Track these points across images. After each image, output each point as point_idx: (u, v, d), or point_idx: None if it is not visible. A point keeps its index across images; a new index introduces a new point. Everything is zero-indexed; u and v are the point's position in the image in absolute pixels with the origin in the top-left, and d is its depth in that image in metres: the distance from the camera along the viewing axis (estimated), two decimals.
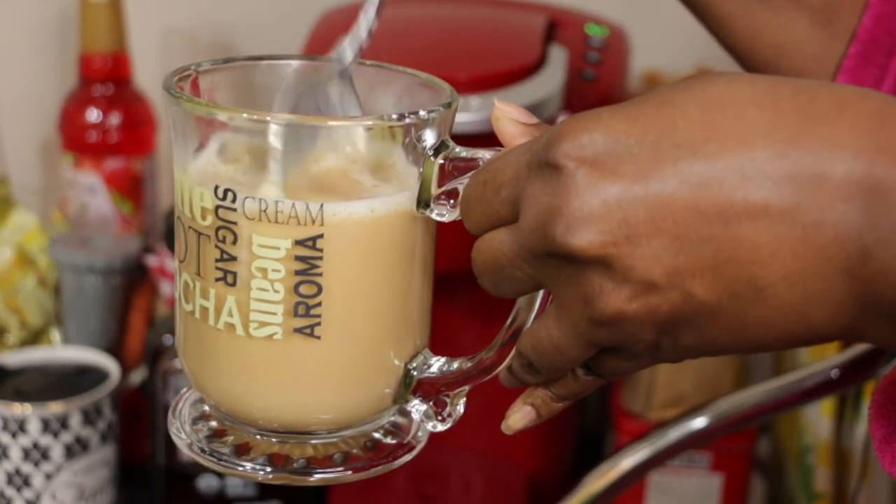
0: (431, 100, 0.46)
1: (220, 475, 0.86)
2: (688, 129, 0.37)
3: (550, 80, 0.81)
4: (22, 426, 0.81)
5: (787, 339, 0.38)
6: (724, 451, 0.91)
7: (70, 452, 0.82)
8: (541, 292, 0.43)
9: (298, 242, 0.43)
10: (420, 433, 0.49)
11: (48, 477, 0.82)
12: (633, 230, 0.37)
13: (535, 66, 0.82)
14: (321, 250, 0.43)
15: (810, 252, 0.36)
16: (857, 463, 0.87)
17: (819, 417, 0.88)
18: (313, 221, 0.43)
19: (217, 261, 0.44)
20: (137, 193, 1.06)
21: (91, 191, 1.04)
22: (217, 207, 0.43)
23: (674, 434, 0.75)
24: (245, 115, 0.43)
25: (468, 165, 0.43)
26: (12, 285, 0.94)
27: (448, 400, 0.48)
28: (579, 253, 0.38)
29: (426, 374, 0.47)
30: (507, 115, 0.44)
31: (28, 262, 0.95)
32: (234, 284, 0.44)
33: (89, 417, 0.82)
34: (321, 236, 0.43)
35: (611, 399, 0.96)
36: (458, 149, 0.44)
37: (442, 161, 0.44)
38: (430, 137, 0.44)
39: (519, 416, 0.47)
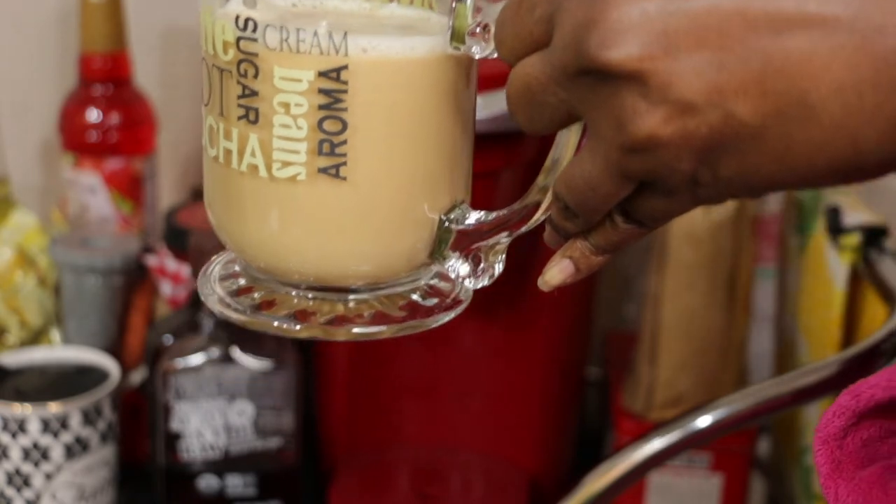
0: None
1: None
2: None
3: None
4: (22, 426, 0.81)
5: (833, 165, 0.35)
6: (724, 452, 0.91)
7: (70, 452, 0.82)
8: (578, 127, 0.41)
9: (321, 74, 0.41)
10: (461, 293, 0.46)
11: (48, 477, 0.82)
12: (672, 43, 0.34)
13: None
14: (346, 83, 0.41)
15: (867, 61, 0.34)
16: None
17: (819, 417, 0.87)
18: (337, 51, 0.41)
19: (239, 97, 0.43)
20: (137, 193, 1.05)
21: (91, 191, 1.04)
22: (238, 39, 0.42)
23: (674, 434, 0.75)
24: None
25: None
26: (12, 285, 0.94)
27: (485, 256, 0.46)
28: (614, 67, 0.35)
29: (463, 227, 0.45)
30: None
31: (28, 262, 0.95)
32: (256, 122, 0.42)
33: (89, 417, 0.82)
34: (345, 68, 0.41)
35: (611, 399, 0.96)
36: None
37: None
38: None
39: (556, 271, 0.44)
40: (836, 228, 0.84)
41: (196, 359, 0.83)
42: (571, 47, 0.36)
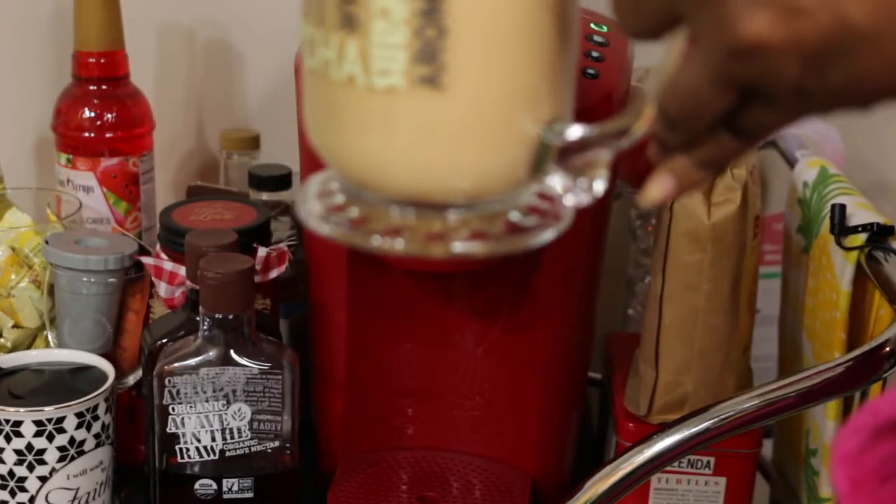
0: None
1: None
2: None
3: None
4: (15, 429, 0.80)
5: None
6: (728, 455, 0.90)
7: (65, 455, 0.81)
8: (682, 34, 0.39)
9: None
10: (562, 210, 0.45)
11: (42, 480, 0.81)
12: None
13: None
14: None
15: None
16: None
17: (824, 420, 0.87)
18: None
19: (339, 4, 0.42)
20: (133, 193, 1.05)
21: (86, 190, 1.03)
22: None
23: (676, 437, 0.75)
24: None
25: None
26: (6, 286, 0.94)
27: (587, 172, 0.44)
28: None
29: (564, 140, 0.44)
30: None
31: (22, 263, 0.95)
32: (355, 29, 0.41)
33: (84, 420, 0.82)
34: None
35: (612, 401, 0.95)
36: None
37: None
38: None
39: (657, 186, 0.43)
40: (841, 228, 0.84)
41: (192, 361, 0.83)
42: None
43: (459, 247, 0.44)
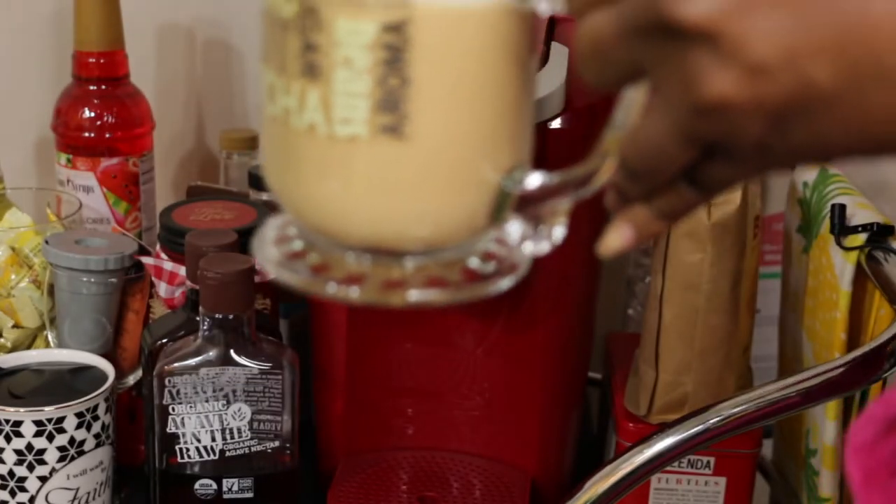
0: None
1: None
2: None
3: (552, 78, 0.81)
4: (16, 429, 0.80)
5: None
6: (728, 455, 0.90)
7: (65, 455, 0.81)
8: (642, 91, 0.39)
9: (385, 27, 0.40)
10: (519, 258, 0.45)
11: (42, 480, 0.81)
12: (747, 1, 0.33)
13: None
14: (410, 37, 0.40)
15: None
16: None
17: (824, 420, 0.87)
18: (401, 3, 0.40)
19: (300, 52, 0.41)
20: (133, 193, 1.05)
21: (86, 190, 1.03)
22: None
23: (676, 437, 0.75)
24: None
25: None
26: (6, 286, 0.94)
27: (546, 220, 0.44)
28: (685, 24, 0.34)
29: (524, 188, 0.44)
30: None
31: (22, 263, 0.95)
32: (317, 77, 0.41)
33: (84, 420, 0.82)
34: (410, 21, 0.40)
35: (613, 402, 0.95)
36: None
37: None
38: None
39: (616, 235, 0.43)
40: (841, 228, 0.84)
41: (192, 361, 0.83)
42: (642, 2, 0.35)
43: (416, 295, 0.44)
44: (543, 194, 0.44)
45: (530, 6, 0.42)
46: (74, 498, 0.83)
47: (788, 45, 0.33)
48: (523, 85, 0.43)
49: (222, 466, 0.85)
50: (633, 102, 0.41)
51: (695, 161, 0.38)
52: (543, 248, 0.45)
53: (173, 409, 0.83)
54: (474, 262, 0.45)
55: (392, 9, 0.40)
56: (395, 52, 0.40)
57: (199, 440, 0.84)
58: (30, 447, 0.81)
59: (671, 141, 0.37)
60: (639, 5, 0.35)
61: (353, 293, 0.44)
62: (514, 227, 0.45)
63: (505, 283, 0.45)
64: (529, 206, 0.44)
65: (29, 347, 0.94)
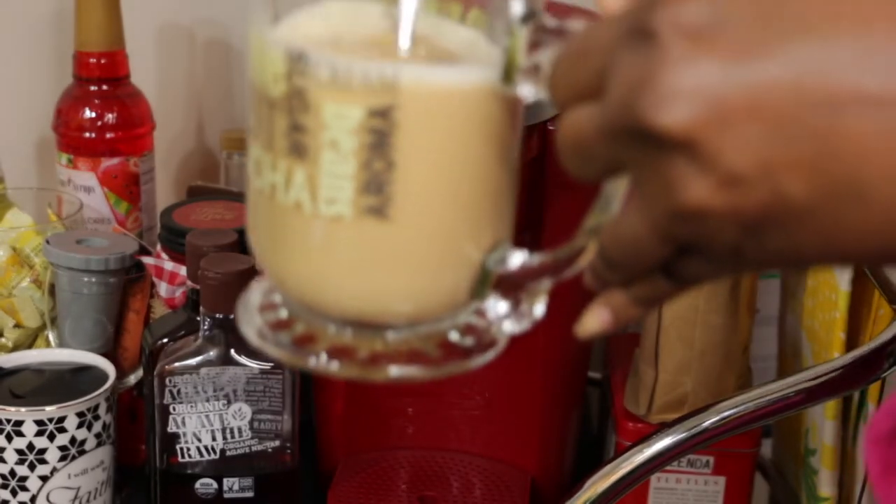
0: None
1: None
2: (804, 5, 0.34)
3: None
4: (17, 428, 0.80)
5: (884, 248, 0.34)
6: (727, 454, 0.90)
7: (66, 455, 0.81)
8: (624, 182, 0.40)
9: (372, 112, 0.40)
10: (498, 334, 0.46)
11: (43, 479, 0.82)
12: (726, 113, 0.34)
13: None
14: (396, 122, 0.41)
15: None
16: (862, 466, 0.86)
17: (823, 420, 0.87)
18: (388, 89, 0.40)
19: (287, 131, 0.42)
20: (134, 193, 1.05)
21: (87, 190, 1.03)
22: (289, 72, 0.42)
23: (676, 436, 0.75)
24: None
25: (559, 35, 0.40)
26: (7, 286, 0.94)
27: (526, 298, 0.45)
28: (664, 132, 0.34)
29: (505, 268, 0.44)
30: None
31: (23, 263, 0.95)
32: (304, 157, 0.42)
33: (85, 419, 0.82)
34: (396, 106, 0.40)
35: (613, 402, 0.95)
36: (547, 18, 0.41)
37: (530, 30, 0.41)
38: (517, 5, 0.41)
39: (594, 319, 0.44)
40: None
41: (193, 360, 0.83)
42: (623, 106, 0.35)
43: (397, 371, 0.44)
44: (524, 275, 0.45)
45: (513, 91, 0.42)
46: (75, 497, 0.83)
47: (764, 158, 0.34)
48: (506, 165, 0.44)
49: (223, 466, 0.85)
50: (615, 192, 0.41)
51: (672, 257, 0.39)
52: (524, 325, 0.46)
53: (174, 409, 0.83)
54: (454, 336, 0.46)
55: (378, 94, 0.40)
56: (380, 136, 0.41)
57: (199, 440, 0.84)
58: (31, 447, 0.81)
59: (648, 238, 0.38)
60: (619, 109, 0.36)
61: (333, 367, 0.44)
62: (495, 304, 0.46)
63: (484, 359, 0.46)
64: (509, 284, 0.45)
65: (30, 347, 0.94)
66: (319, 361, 0.44)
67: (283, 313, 0.46)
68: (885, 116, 0.33)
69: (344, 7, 0.43)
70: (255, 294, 0.47)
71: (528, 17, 0.41)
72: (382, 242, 0.43)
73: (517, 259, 0.45)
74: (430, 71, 0.41)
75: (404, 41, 0.42)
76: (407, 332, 0.45)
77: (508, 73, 0.42)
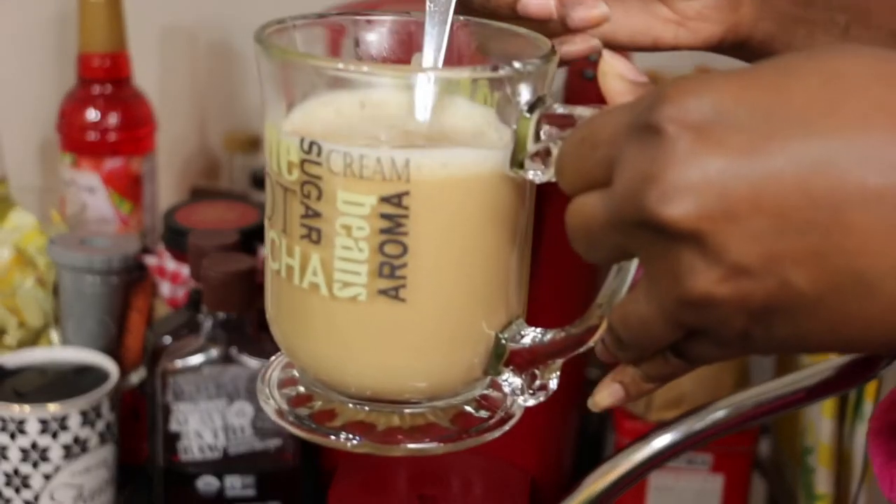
0: (528, 54, 0.44)
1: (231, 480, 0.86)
2: (806, 102, 0.34)
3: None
4: (20, 427, 0.81)
5: (889, 339, 0.35)
6: (725, 452, 0.91)
7: (69, 453, 0.82)
8: (633, 263, 0.41)
9: (384, 199, 0.41)
10: (513, 407, 0.47)
11: (47, 478, 0.82)
12: (731, 207, 0.34)
13: None
14: (407, 208, 0.42)
15: None
16: (859, 464, 0.86)
17: (820, 418, 0.87)
18: (399, 177, 0.41)
19: (302, 217, 0.43)
20: (136, 193, 1.05)
21: (90, 191, 1.04)
22: (303, 161, 0.42)
23: (674, 435, 0.75)
24: (340, 65, 0.42)
25: (566, 123, 0.41)
26: (11, 286, 0.94)
27: (540, 373, 0.46)
28: (671, 225, 0.35)
29: (518, 345, 0.45)
30: (615, 69, 0.42)
31: (26, 263, 0.95)
32: (318, 242, 0.43)
33: (88, 418, 0.82)
34: (407, 193, 0.41)
35: None
36: (555, 105, 0.42)
37: (538, 118, 0.42)
38: (525, 92, 0.42)
39: (607, 394, 0.45)
40: None
41: (195, 359, 0.83)
42: (630, 199, 0.36)
43: (414, 448, 0.46)
44: (537, 352, 0.46)
45: (522, 175, 0.43)
46: (79, 495, 0.83)
47: (769, 250, 0.34)
48: (517, 244, 0.45)
49: (224, 464, 0.85)
50: (623, 277, 0.42)
51: (681, 339, 0.39)
52: (539, 399, 0.47)
53: (176, 408, 0.84)
54: (469, 408, 0.47)
55: (390, 182, 0.41)
56: (393, 221, 0.42)
57: (201, 438, 0.84)
58: (34, 445, 0.81)
59: (657, 322, 0.38)
60: (627, 202, 0.36)
61: (351, 443, 0.45)
62: (509, 379, 0.47)
63: (499, 433, 0.47)
64: (523, 359, 0.46)
65: (33, 346, 0.94)
66: (339, 439, 0.45)
67: (302, 389, 0.47)
68: (887, 212, 0.33)
69: (353, 96, 0.44)
70: (274, 370, 0.48)
71: (537, 104, 0.42)
72: (397, 323, 0.44)
73: (530, 336, 0.46)
74: (440, 158, 0.42)
75: (415, 128, 0.43)
76: (423, 407, 0.46)
77: (517, 159, 0.42)
